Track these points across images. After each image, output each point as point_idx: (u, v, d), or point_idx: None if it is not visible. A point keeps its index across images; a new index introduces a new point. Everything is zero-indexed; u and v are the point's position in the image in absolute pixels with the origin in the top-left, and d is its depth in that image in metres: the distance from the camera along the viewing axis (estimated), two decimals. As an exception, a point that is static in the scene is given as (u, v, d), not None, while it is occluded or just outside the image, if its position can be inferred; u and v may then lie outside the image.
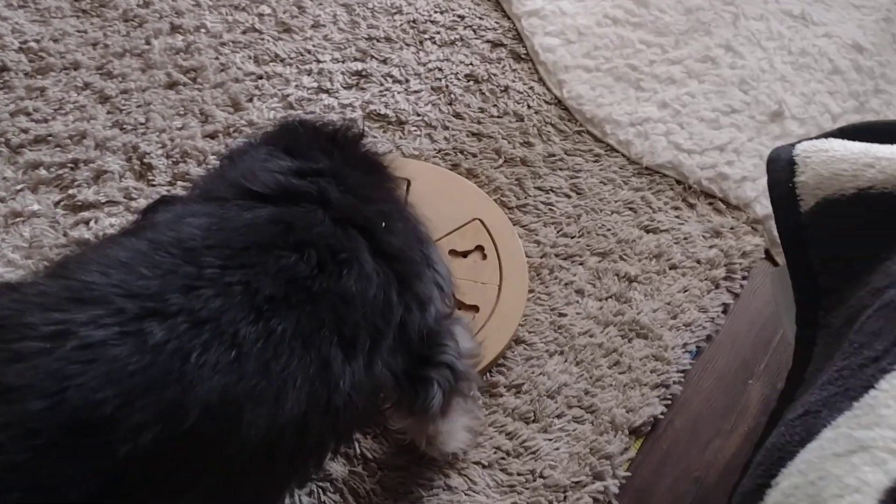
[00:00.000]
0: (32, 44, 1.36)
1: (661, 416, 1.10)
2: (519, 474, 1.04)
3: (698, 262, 1.24)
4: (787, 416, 0.58)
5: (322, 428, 0.71)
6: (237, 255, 0.68)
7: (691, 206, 1.30)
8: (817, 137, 0.78)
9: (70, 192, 1.20)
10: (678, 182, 1.33)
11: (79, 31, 1.40)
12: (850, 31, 1.54)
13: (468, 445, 1.03)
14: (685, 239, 1.27)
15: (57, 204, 1.19)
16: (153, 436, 0.61)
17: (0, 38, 1.37)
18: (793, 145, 0.77)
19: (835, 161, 0.70)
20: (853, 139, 0.74)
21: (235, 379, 0.64)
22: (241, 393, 0.64)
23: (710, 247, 1.26)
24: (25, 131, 1.26)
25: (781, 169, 0.74)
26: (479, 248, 1.18)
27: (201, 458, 0.65)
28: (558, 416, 1.09)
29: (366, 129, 0.96)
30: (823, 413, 0.52)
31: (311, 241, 0.72)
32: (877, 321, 0.56)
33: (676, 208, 1.30)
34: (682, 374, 1.14)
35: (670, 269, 1.23)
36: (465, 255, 1.18)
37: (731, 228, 1.28)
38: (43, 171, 1.22)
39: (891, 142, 0.72)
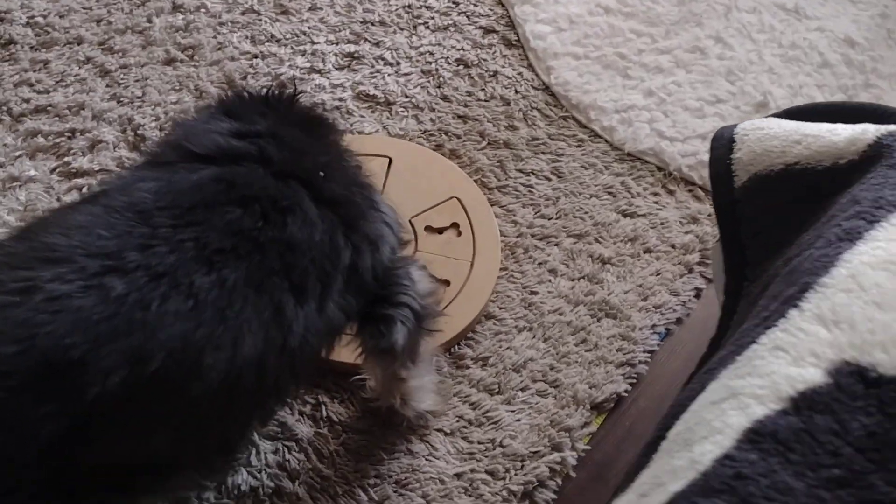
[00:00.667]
0: (39, 19, 1.42)
1: (625, 394, 1.13)
2: (479, 442, 1.07)
3: (673, 246, 1.26)
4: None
5: (279, 369, 0.76)
6: (186, 214, 0.73)
7: (671, 193, 1.32)
8: (766, 117, 0.80)
9: (66, 159, 1.26)
10: (659, 169, 1.35)
11: (84, 8, 1.45)
12: (844, 26, 1.55)
13: (439, 408, 1.07)
14: (662, 224, 1.29)
15: (53, 171, 1.25)
16: (120, 379, 0.65)
17: (10, 13, 1.43)
18: (736, 125, 0.79)
19: (768, 138, 0.72)
20: (798, 119, 0.77)
21: (194, 326, 0.69)
22: (200, 339, 0.69)
23: (686, 232, 1.27)
24: (27, 101, 1.32)
25: (721, 147, 0.76)
26: (455, 225, 1.22)
27: (166, 400, 0.70)
28: (522, 390, 1.11)
29: (300, 91, 1.00)
30: (717, 369, 0.54)
31: (254, 196, 0.76)
32: (778, 286, 0.58)
33: (655, 194, 1.32)
34: (649, 355, 1.16)
35: (645, 252, 1.25)
36: (440, 231, 1.21)
37: (709, 215, 1.29)
38: (41, 139, 1.27)
39: (830, 121, 0.74)
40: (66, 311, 0.65)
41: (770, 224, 0.70)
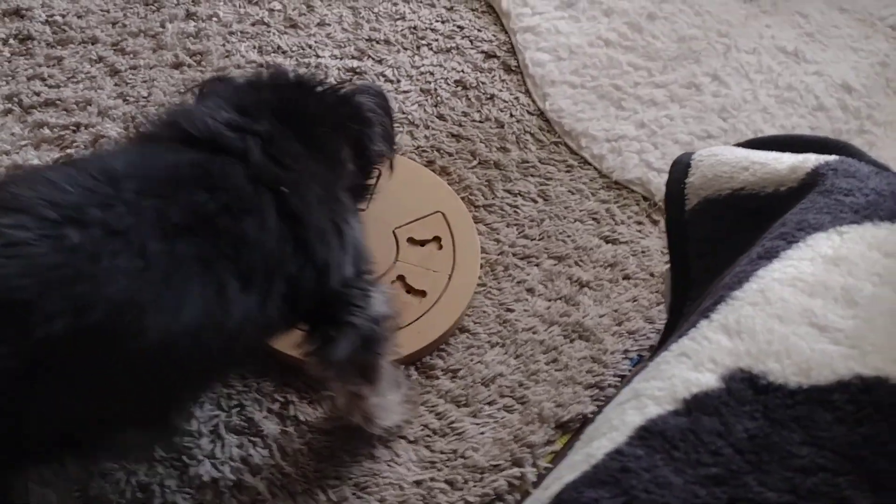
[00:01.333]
0: (58, 17, 1.48)
1: (591, 416, 1.14)
2: (442, 452, 1.08)
3: (652, 274, 1.27)
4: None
5: (216, 345, 0.79)
6: (154, 187, 0.77)
7: (654, 223, 1.34)
8: (725, 145, 0.82)
9: (68, 151, 1.31)
10: (645, 198, 1.36)
11: (102, 10, 1.51)
12: (843, 72, 1.57)
13: (406, 417, 1.09)
14: (643, 252, 1.30)
15: (55, 161, 1.30)
16: (64, 325, 0.69)
17: (30, 10, 1.49)
18: (696, 151, 0.81)
19: (719, 164, 0.75)
20: (759, 148, 0.79)
21: (140, 286, 0.73)
22: (144, 298, 0.73)
23: (667, 262, 1.28)
24: (38, 94, 1.37)
25: (678, 170, 0.79)
26: (437, 238, 1.24)
27: (106, 352, 0.73)
28: (489, 403, 1.13)
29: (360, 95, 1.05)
30: (633, 377, 0.56)
31: (224, 188, 0.80)
32: (704, 301, 0.60)
33: (639, 223, 1.34)
34: (619, 379, 1.17)
35: (623, 278, 1.27)
36: (422, 243, 1.24)
37: (691, 247, 1.31)
38: (47, 131, 1.32)
39: (785, 151, 0.76)
40: (21, 257, 0.69)
41: (715, 245, 0.73)
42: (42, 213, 0.71)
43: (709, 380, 0.47)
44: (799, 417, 0.44)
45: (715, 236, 0.73)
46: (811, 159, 0.67)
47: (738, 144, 0.84)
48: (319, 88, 1.04)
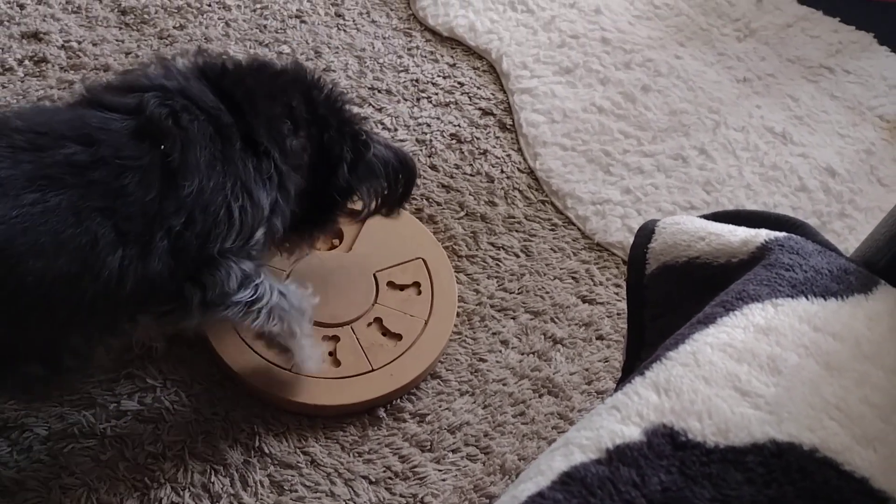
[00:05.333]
0: (74, 44, 1.54)
1: (553, 472, 1.15)
2: (401, 496, 1.09)
3: (625, 337, 1.30)
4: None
5: (95, 293, 0.85)
6: (37, 141, 0.84)
7: (632, 286, 1.37)
8: (689, 216, 0.86)
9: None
10: (625, 262, 1.39)
11: (117, 40, 1.57)
12: (828, 156, 1.61)
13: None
14: (618, 314, 1.33)
15: None
16: None
17: (48, 35, 1.55)
18: (662, 219, 0.85)
19: (680, 232, 0.78)
20: (724, 221, 0.82)
21: (16, 232, 0.79)
22: (20, 244, 0.80)
23: (641, 326, 1.31)
24: (46, 115, 1.42)
25: (643, 236, 0.82)
26: (417, 284, 1.27)
27: None
28: (453, 451, 1.14)
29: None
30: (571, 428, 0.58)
31: (103, 141, 0.87)
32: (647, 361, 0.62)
33: (618, 285, 1.37)
34: (584, 437, 1.19)
35: (597, 338, 1.29)
36: (401, 288, 1.27)
37: (666, 313, 1.33)
38: (50, 151, 1.36)
39: (749, 226, 0.79)
40: None
41: (668, 310, 0.75)
42: None
43: (633, 432, 0.49)
44: (712, 475, 0.46)
45: (669, 301, 0.76)
46: (762, 234, 0.70)
47: (704, 216, 0.87)
48: (323, 94, 1.09)
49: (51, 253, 0.81)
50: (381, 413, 1.16)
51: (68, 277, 0.83)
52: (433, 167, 1.48)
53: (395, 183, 1.16)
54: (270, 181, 0.99)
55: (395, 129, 1.53)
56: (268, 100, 1.02)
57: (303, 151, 1.04)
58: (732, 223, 0.81)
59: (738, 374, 0.52)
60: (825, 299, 0.58)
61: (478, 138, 1.54)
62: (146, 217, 0.88)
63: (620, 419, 0.51)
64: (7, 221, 0.79)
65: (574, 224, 1.44)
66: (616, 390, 0.73)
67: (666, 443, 0.48)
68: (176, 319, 0.98)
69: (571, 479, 0.48)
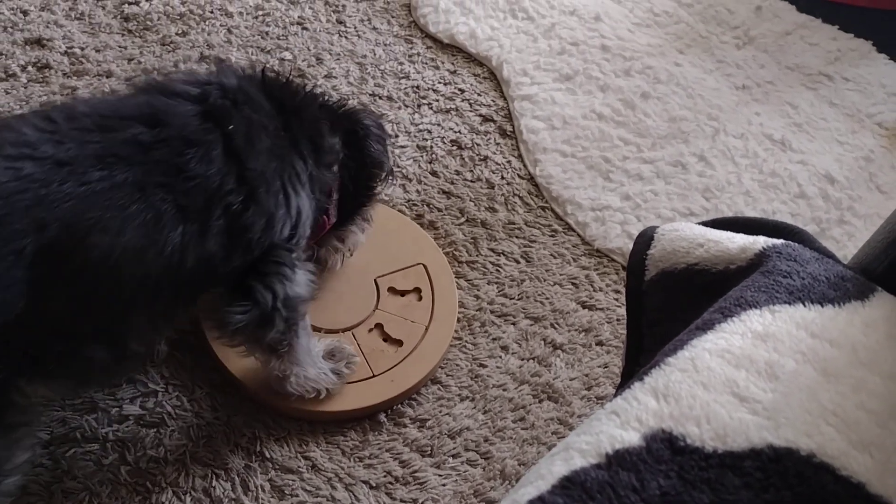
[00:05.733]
0: (77, 50, 1.55)
1: (553, 477, 1.15)
2: (402, 500, 1.10)
3: (624, 343, 1.30)
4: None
5: (159, 269, 0.88)
6: (103, 124, 0.88)
7: (632, 292, 1.37)
8: (689, 222, 0.87)
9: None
10: (624, 268, 1.40)
11: (120, 47, 1.58)
12: (827, 163, 1.62)
13: (328, 386, 1.13)
14: (618, 320, 1.33)
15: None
16: (31, 241, 0.80)
17: (51, 41, 1.56)
18: (662, 226, 0.85)
19: (679, 239, 0.78)
20: (723, 228, 0.83)
21: (84, 208, 0.83)
22: (88, 219, 0.83)
23: (640, 332, 1.32)
24: (49, 121, 1.43)
25: (642, 242, 0.83)
26: (417, 290, 1.28)
27: (61, 268, 0.83)
28: (453, 456, 1.15)
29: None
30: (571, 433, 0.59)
31: (167, 123, 0.90)
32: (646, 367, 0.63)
33: (617, 291, 1.37)
34: (584, 443, 1.19)
35: (597, 344, 1.30)
36: (402, 293, 1.27)
37: (665, 319, 1.34)
38: (53, 156, 1.37)
39: (747, 233, 0.80)
40: None
41: (667, 316, 0.76)
42: (7, 152, 0.84)
43: (632, 437, 0.50)
44: (710, 480, 0.47)
45: (667, 307, 0.76)
46: (760, 241, 0.70)
47: (703, 223, 0.88)
48: (322, 100, 1.16)
49: (117, 228, 0.84)
50: (382, 418, 1.17)
51: (134, 251, 0.85)
52: (434, 173, 1.49)
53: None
54: (311, 179, 1.05)
55: (396, 136, 1.53)
56: (307, 102, 1.09)
57: (340, 149, 1.12)
58: (731, 230, 0.81)
59: (736, 380, 0.52)
60: (822, 306, 0.59)
61: (478, 144, 1.55)
62: (206, 193, 0.90)
63: (620, 424, 0.51)
64: (75, 197, 0.82)
65: (574, 230, 1.45)
66: (615, 395, 0.74)
67: (665, 448, 0.49)
68: (260, 331, 1.00)
69: (571, 484, 0.48)
